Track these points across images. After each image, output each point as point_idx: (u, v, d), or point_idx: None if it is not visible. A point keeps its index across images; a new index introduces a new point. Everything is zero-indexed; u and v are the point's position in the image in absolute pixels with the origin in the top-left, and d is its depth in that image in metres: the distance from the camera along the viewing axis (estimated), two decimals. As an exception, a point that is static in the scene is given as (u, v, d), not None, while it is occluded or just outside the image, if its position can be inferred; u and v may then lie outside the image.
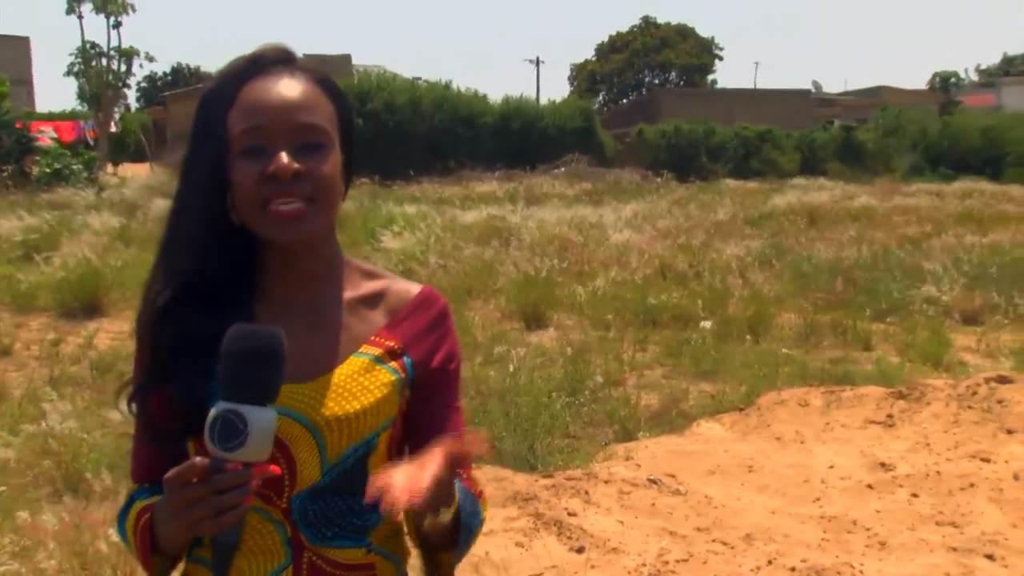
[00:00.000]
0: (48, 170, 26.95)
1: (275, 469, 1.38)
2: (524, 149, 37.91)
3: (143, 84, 75.15)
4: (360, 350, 1.56)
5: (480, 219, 18.31)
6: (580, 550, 4.83)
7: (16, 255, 14.57)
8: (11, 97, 31.30)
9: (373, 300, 1.61)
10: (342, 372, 1.53)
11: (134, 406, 1.55)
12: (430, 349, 1.62)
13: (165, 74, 76.79)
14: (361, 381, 1.53)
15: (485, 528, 4.95)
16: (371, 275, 1.65)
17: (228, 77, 1.51)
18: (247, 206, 1.47)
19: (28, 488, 5.43)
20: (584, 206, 22.08)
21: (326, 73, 1.59)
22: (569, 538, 4.95)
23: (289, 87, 1.50)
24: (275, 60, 1.53)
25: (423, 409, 1.62)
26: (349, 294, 1.60)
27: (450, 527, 1.48)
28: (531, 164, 34.97)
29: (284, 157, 1.44)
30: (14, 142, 27.97)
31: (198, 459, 1.31)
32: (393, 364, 1.57)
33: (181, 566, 1.59)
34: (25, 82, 46.74)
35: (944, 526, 5.24)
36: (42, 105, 47.03)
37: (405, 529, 1.60)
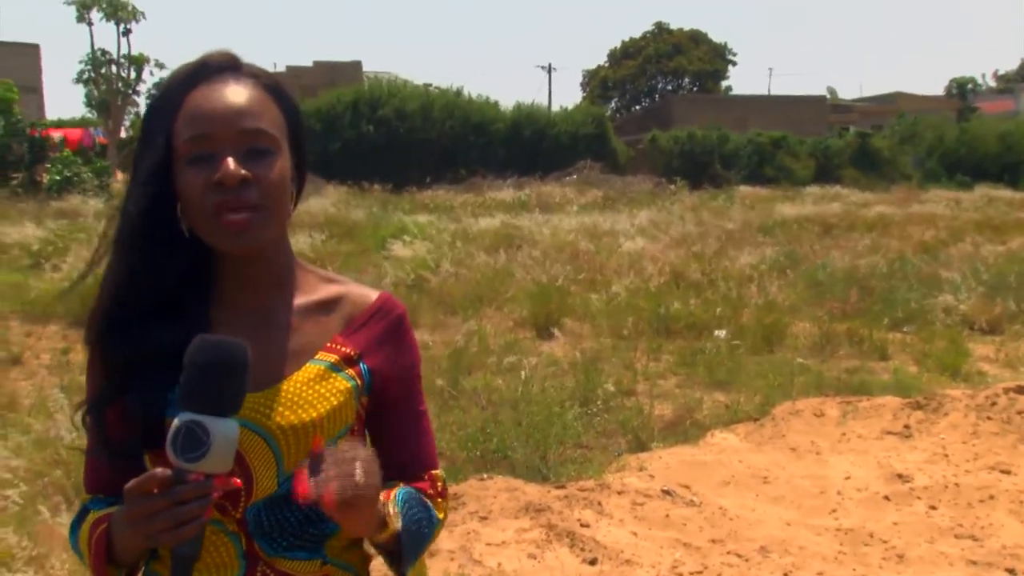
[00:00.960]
0: (59, 178, 27.07)
1: (236, 482, 1.38)
2: (536, 156, 37.93)
3: (153, 91, 75.57)
4: (316, 357, 1.56)
5: (492, 227, 18.33)
6: (593, 562, 4.82)
7: (25, 263, 14.64)
8: (21, 104, 31.46)
9: (329, 306, 1.61)
10: (297, 380, 1.53)
11: (87, 419, 1.54)
12: (388, 356, 1.62)
13: (175, 81, 77.11)
14: (317, 389, 1.53)
15: (497, 539, 4.93)
16: (327, 280, 1.66)
17: (173, 85, 1.51)
18: (196, 215, 1.47)
19: (38, 497, 5.44)
20: (596, 213, 22.08)
21: (274, 77, 1.59)
22: (582, 550, 4.93)
23: (234, 93, 1.50)
24: (220, 66, 1.53)
25: (389, 416, 1.63)
26: (304, 299, 1.60)
27: (392, 540, 1.51)
28: (543, 171, 34.97)
29: (231, 164, 1.44)
30: (26, 149, 28.09)
31: (159, 470, 1.31)
32: (349, 371, 1.57)
33: None
34: (35, 90, 46.98)
35: (963, 539, 5.20)
36: (52, 113, 47.30)
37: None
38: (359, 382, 1.58)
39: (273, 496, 1.51)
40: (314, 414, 1.51)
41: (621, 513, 5.47)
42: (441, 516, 1.67)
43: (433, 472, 1.65)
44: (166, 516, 1.30)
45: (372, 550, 1.63)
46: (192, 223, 1.48)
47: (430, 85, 42.24)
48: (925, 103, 58.21)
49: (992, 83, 79.77)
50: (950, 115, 52.38)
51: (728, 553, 4.97)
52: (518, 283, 12.88)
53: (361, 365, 1.59)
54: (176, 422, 1.31)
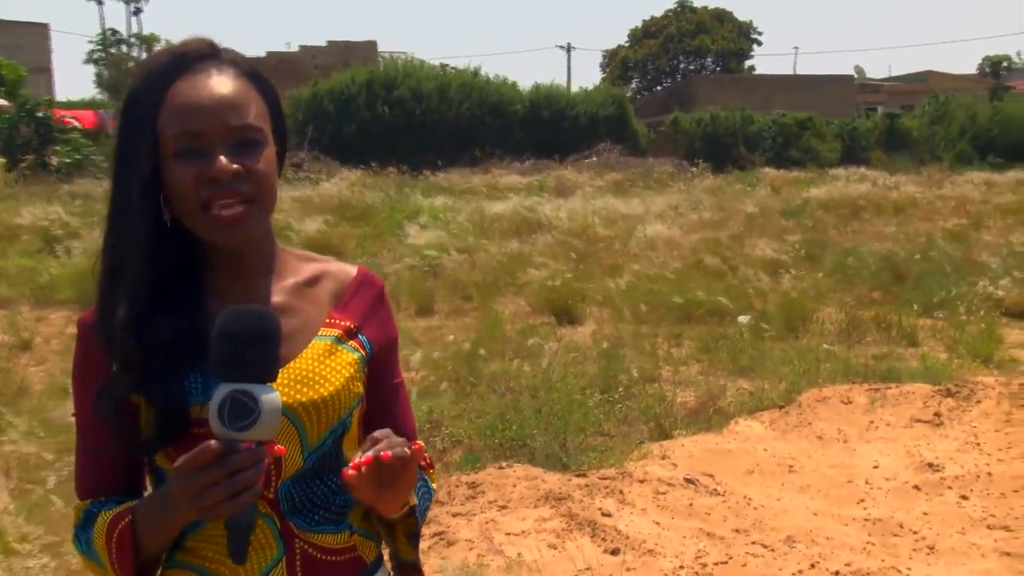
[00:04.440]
0: (69, 160, 27.17)
1: (280, 449, 1.42)
2: (554, 138, 37.83)
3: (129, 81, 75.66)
4: (319, 333, 1.62)
5: (509, 210, 18.31)
6: (615, 552, 4.82)
7: (36, 247, 14.73)
8: (29, 84, 31.56)
9: (315, 283, 1.67)
10: (307, 357, 1.58)
11: (89, 419, 1.55)
12: (378, 327, 1.70)
13: (186, 62, 77.21)
14: (328, 363, 1.59)
15: (517, 528, 4.94)
16: (306, 259, 1.71)
17: (154, 76, 1.52)
18: (187, 209, 1.50)
19: (53, 484, 5.49)
20: (616, 197, 22.02)
21: (252, 64, 1.61)
22: (604, 539, 4.94)
23: (220, 84, 1.52)
24: (201, 55, 1.54)
25: (374, 387, 1.69)
26: (292, 280, 1.65)
27: (408, 513, 1.61)
28: (562, 154, 34.89)
29: (223, 159, 1.47)
30: (33, 131, 28.18)
31: (212, 442, 1.33)
32: (352, 343, 1.64)
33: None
34: (45, 70, 47.17)
35: (996, 530, 5.18)
36: (61, 93, 47.45)
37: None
38: (363, 352, 1.65)
39: (300, 472, 1.56)
40: (331, 388, 1.57)
41: (643, 502, 5.47)
42: (435, 487, 1.76)
43: (418, 443, 1.68)
44: (223, 487, 1.34)
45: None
46: (183, 216, 1.51)
47: (447, 65, 42.25)
48: (957, 82, 57.76)
49: (1026, 61, 78.97)
50: (983, 94, 51.87)
51: (753, 543, 4.97)
52: (536, 268, 12.86)
53: (361, 336, 1.66)
54: (220, 393, 1.34)
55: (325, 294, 1.66)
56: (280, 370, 1.51)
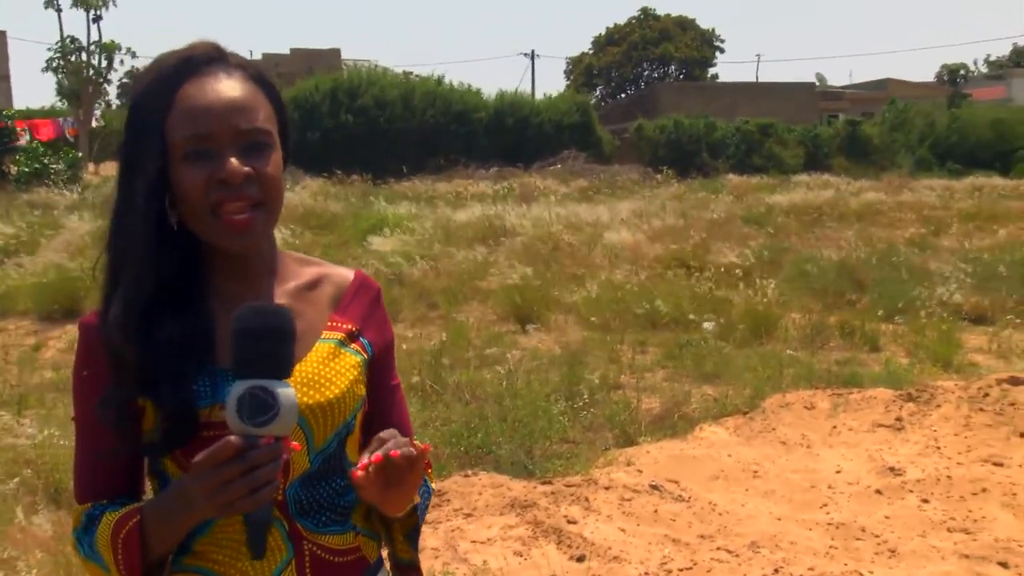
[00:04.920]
0: (27, 169, 26.88)
1: (296, 445, 1.46)
2: (519, 146, 37.86)
3: (124, 80, 74.85)
4: (322, 336, 1.63)
5: (474, 218, 18.32)
6: (581, 559, 4.83)
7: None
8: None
9: (314, 286, 1.68)
10: (312, 360, 1.59)
11: (93, 422, 1.54)
12: (377, 329, 1.72)
13: (147, 70, 76.46)
14: (332, 366, 1.60)
15: (482, 536, 4.93)
16: (304, 262, 1.71)
17: (162, 79, 1.52)
18: (195, 212, 1.50)
19: (8, 498, 5.42)
20: (581, 204, 22.08)
21: (258, 67, 1.61)
22: (569, 546, 4.95)
23: (229, 88, 1.52)
24: (208, 58, 1.54)
25: (373, 389, 1.71)
26: (293, 283, 1.66)
27: (411, 512, 1.65)
28: (526, 161, 34.93)
29: (234, 162, 1.47)
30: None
31: (232, 437, 1.34)
32: (354, 346, 1.66)
33: None
34: (3, 78, 46.61)
35: (956, 532, 5.24)
36: (20, 102, 46.97)
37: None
38: (365, 355, 1.67)
39: (307, 474, 1.58)
40: (337, 391, 1.59)
41: (609, 509, 5.49)
42: (433, 487, 1.79)
43: (426, 444, 1.69)
44: (243, 482, 1.35)
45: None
46: (190, 219, 1.51)
47: (411, 73, 42.16)
48: (916, 90, 58.42)
49: (984, 69, 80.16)
50: (941, 102, 52.54)
51: (718, 549, 5.00)
52: (500, 276, 12.87)
53: (362, 339, 1.68)
54: (238, 389, 1.36)
55: (325, 297, 1.67)
56: None
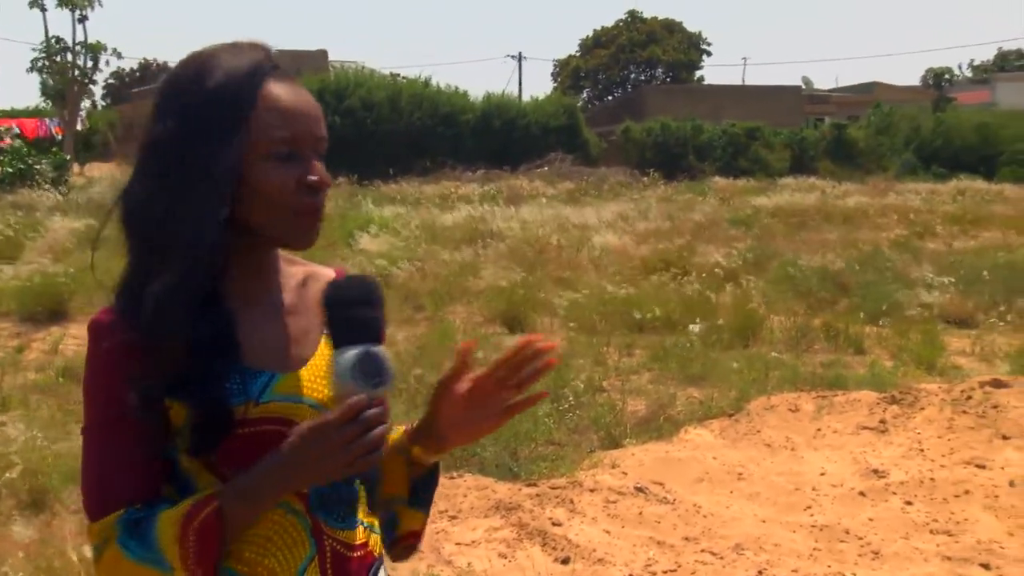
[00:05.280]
0: (11, 170, 26.76)
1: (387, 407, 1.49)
2: (506, 148, 37.89)
3: (110, 81, 74.68)
4: (325, 332, 1.60)
5: (460, 220, 18.34)
6: (565, 561, 4.84)
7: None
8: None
9: (307, 283, 1.68)
10: (325, 354, 1.58)
11: (129, 422, 1.48)
12: None
13: (133, 70, 76.32)
14: None
15: (467, 539, 4.92)
16: (290, 261, 1.71)
17: (241, 76, 1.51)
18: (277, 211, 1.51)
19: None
20: (568, 206, 22.12)
21: None
22: (554, 548, 4.96)
23: (309, 96, 1.58)
24: (272, 62, 1.57)
25: None
26: (289, 281, 1.66)
27: (428, 471, 1.74)
28: (513, 163, 34.96)
29: (321, 167, 1.53)
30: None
31: (354, 398, 1.40)
32: None
33: None
34: (-13, 78, 46.37)
35: (939, 534, 5.27)
36: (5, 102, 46.74)
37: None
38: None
39: None
40: None
41: (594, 511, 5.50)
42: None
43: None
44: (360, 443, 1.41)
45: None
46: (263, 217, 1.52)
47: (398, 75, 42.13)
48: (902, 93, 58.65)
49: (969, 73, 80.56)
50: (926, 105, 52.75)
51: (702, 551, 5.01)
52: (487, 278, 12.88)
53: None
54: (352, 354, 1.42)
55: (315, 294, 1.65)
56: (306, 367, 1.57)
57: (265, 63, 1.55)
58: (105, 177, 29.32)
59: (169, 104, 1.54)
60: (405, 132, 37.24)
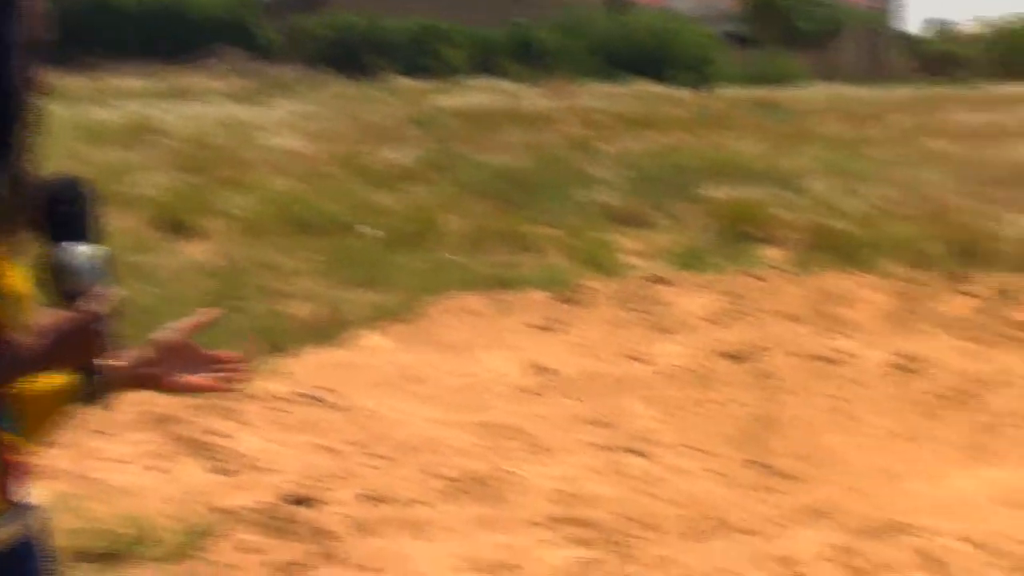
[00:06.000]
0: None
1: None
2: (170, 40, 36.15)
3: None
4: None
5: (117, 117, 17.42)
6: (225, 472, 4.81)
7: None
8: None
9: None
10: None
11: None
12: None
13: None
14: None
15: (116, 454, 4.77)
16: None
17: None
18: None
19: None
20: (239, 104, 21.48)
21: None
22: (213, 459, 4.91)
23: None
24: None
25: None
26: None
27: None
28: (178, 57, 33.42)
29: None
30: None
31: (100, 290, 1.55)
32: None
33: None
34: None
35: (599, 427, 5.66)
36: None
37: None
38: None
39: None
40: None
41: (258, 420, 5.48)
42: None
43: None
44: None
45: None
46: None
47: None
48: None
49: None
50: (602, 9, 54.69)
51: (369, 455, 5.12)
52: (149, 181, 12.34)
53: None
54: (86, 248, 1.53)
55: None
56: None
57: None
58: None
59: None
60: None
